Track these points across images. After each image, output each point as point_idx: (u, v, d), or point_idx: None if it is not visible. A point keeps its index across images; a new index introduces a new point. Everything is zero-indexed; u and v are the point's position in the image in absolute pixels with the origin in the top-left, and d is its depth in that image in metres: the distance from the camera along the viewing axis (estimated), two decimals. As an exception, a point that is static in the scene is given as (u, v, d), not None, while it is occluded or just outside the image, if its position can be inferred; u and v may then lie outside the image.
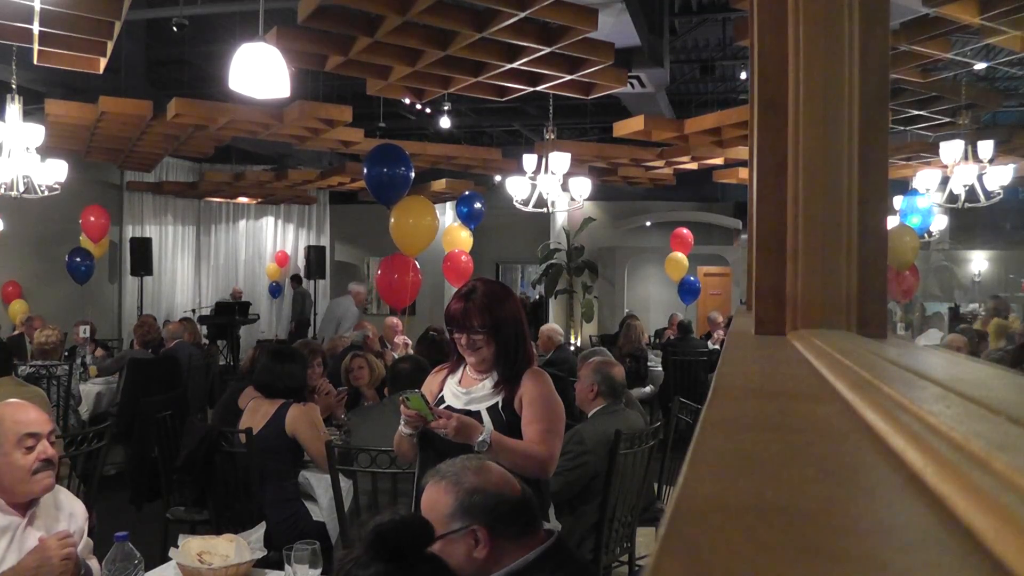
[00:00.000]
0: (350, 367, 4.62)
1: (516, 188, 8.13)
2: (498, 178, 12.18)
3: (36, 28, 5.13)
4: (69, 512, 2.27)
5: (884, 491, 0.39)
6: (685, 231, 12.13)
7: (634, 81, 7.59)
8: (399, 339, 6.75)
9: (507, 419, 2.30)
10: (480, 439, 2.19)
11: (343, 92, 9.70)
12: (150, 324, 7.06)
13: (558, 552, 1.71)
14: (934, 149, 8.09)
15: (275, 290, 14.71)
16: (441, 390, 2.47)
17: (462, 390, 2.40)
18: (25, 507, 2.13)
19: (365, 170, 7.50)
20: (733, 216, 13.42)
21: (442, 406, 2.38)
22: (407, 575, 1.43)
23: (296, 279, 13.60)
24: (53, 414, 3.85)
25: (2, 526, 2.09)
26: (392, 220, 7.51)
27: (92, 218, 11.11)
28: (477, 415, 2.31)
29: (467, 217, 10.20)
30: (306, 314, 13.26)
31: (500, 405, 2.32)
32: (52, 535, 2.09)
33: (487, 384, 2.37)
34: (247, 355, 5.19)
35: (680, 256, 12.00)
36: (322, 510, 3.45)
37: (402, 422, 2.29)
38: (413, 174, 7.58)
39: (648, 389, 7.13)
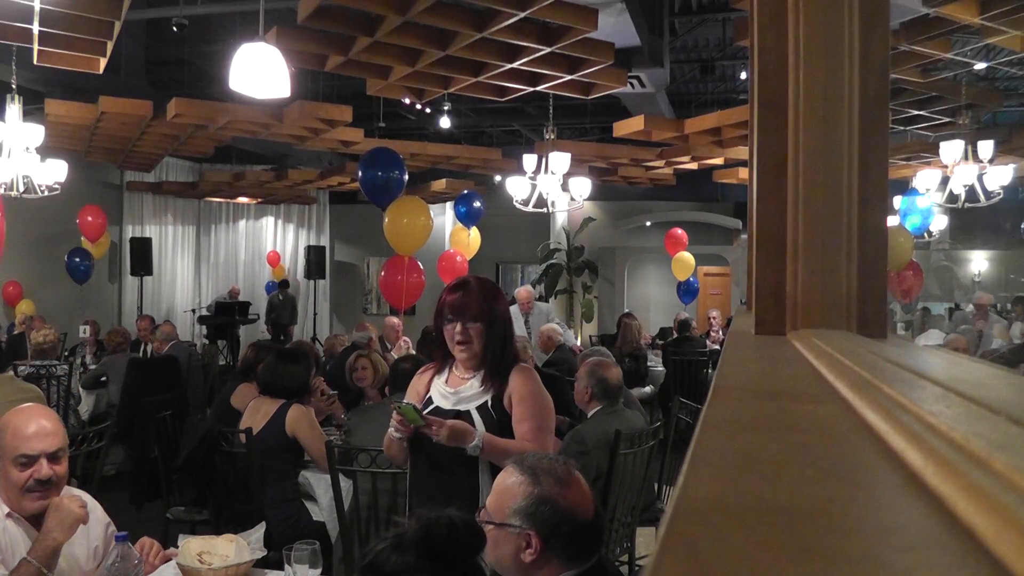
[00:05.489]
0: (354, 366, 4.59)
1: (516, 188, 8.13)
2: (498, 178, 12.17)
3: (36, 28, 5.13)
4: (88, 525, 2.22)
5: (884, 491, 0.39)
6: (679, 231, 12.11)
7: (634, 81, 7.58)
8: (400, 341, 6.73)
9: (497, 418, 2.29)
10: (472, 444, 2.18)
11: (343, 92, 9.70)
12: (117, 330, 6.99)
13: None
14: (934, 149, 8.10)
15: (272, 288, 14.67)
16: (428, 391, 2.43)
17: (450, 390, 2.37)
18: (35, 518, 2.09)
19: (360, 173, 7.60)
20: (733, 216, 13.41)
21: (431, 407, 2.36)
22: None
23: (284, 284, 13.59)
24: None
25: (16, 537, 2.05)
26: (386, 220, 7.54)
27: (89, 218, 11.10)
28: (467, 415, 2.29)
29: (465, 216, 10.16)
30: (291, 320, 13.25)
31: (490, 404, 2.31)
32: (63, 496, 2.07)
33: (474, 383, 2.35)
34: (242, 354, 5.18)
35: (687, 256, 11.99)
36: (322, 510, 3.45)
37: (391, 427, 2.29)
38: (407, 177, 7.65)
39: (648, 389, 7.12)
